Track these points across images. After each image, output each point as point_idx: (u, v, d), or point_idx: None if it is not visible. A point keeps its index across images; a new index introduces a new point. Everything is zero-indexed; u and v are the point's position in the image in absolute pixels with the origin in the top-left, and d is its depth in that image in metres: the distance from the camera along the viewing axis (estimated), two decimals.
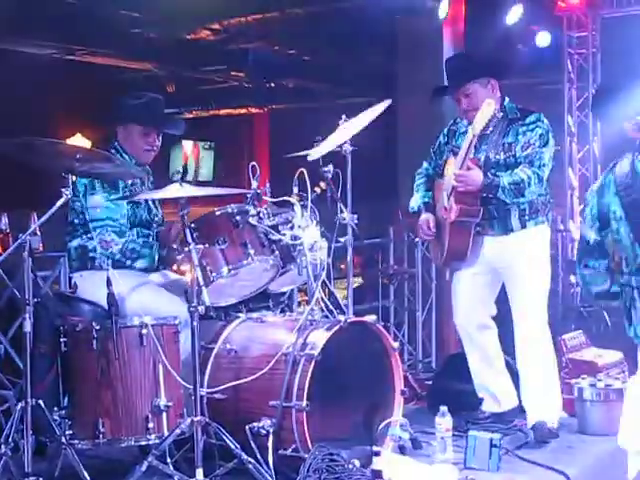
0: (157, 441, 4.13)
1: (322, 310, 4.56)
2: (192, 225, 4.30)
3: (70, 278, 4.78)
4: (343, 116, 4.75)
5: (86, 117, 10.34)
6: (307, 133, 4.81)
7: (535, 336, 5.04)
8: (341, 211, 4.74)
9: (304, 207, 4.55)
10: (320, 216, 4.65)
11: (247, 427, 4.18)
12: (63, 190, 4.06)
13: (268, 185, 4.68)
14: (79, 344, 4.20)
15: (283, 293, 5.16)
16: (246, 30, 10.23)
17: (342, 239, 4.77)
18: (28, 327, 4.00)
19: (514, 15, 8.50)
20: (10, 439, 3.97)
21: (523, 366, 5.08)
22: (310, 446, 4.12)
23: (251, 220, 4.50)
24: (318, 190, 4.67)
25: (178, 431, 4.08)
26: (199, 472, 3.95)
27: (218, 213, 4.53)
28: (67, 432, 4.10)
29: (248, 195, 4.56)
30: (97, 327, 4.17)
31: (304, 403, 4.14)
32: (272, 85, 12.69)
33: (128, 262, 4.66)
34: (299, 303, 5.42)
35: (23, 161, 4.28)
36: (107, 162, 4.28)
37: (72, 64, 10.43)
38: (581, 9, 9.19)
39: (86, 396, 4.19)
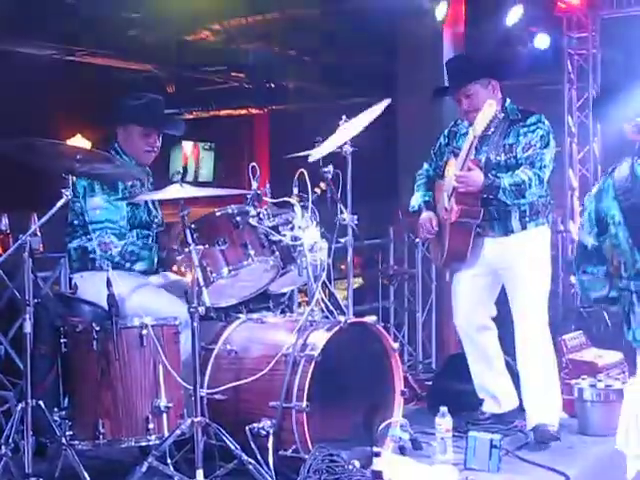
0: (157, 442, 4.13)
1: (322, 311, 4.56)
2: (192, 226, 4.30)
3: (70, 279, 4.78)
4: (343, 117, 4.75)
5: (86, 118, 10.32)
6: (307, 134, 4.80)
7: (535, 337, 5.03)
8: (341, 212, 4.74)
9: (304, 208, 4.56)
10: (320, 217, 4.65)
11: (247, 428, 4.18)
12: (63, 191, 4.06)
13: (268, 186, 4.68)
14: (79, 345, 4.20)
15: (283, 294, 5.16)
16: (246, 31, 10.24)
17: (342, 240, 4.77)
18: (28, 328, 4.01)
19: (514, 16, 8.49)
20: (10, 440, 3.98)
21: (523, 367, 5.08)
22: (310, 447, 4.13)
23: (251, 221, 4.50)
24: (318, 191, 4.67)
25: (178, 432, 4.08)
26: (199, 473, 3.96)
27: (218, 214, 4.53)
28: (67, 433, 4.11)
29: (248, 196, 4.56)
30: (97, 328, 4.17)
31: (304, 404, 4.14)
32: (272, 86, 12.69)
33: (127, 264, 4.66)
34: (299, 304, 5.42)
35: (23, 162, 4.28)
36: (107, 163, 4.29)
37: (72, 65, 10.44)
38: (581, 10, 9.17)
39: (86, 397, 4.19)
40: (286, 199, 4.59)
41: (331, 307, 4.59)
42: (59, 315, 4.34)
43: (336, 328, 4.35)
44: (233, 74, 12.08)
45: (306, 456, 4.10)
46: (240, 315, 4.74)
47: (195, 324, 4.11)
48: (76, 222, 4.69)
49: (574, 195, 9.32)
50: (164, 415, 4.20)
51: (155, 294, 4.64)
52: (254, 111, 14.23)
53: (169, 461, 4.09)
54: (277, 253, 4.53)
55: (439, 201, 5.20)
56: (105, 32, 9.25)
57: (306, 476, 4.02)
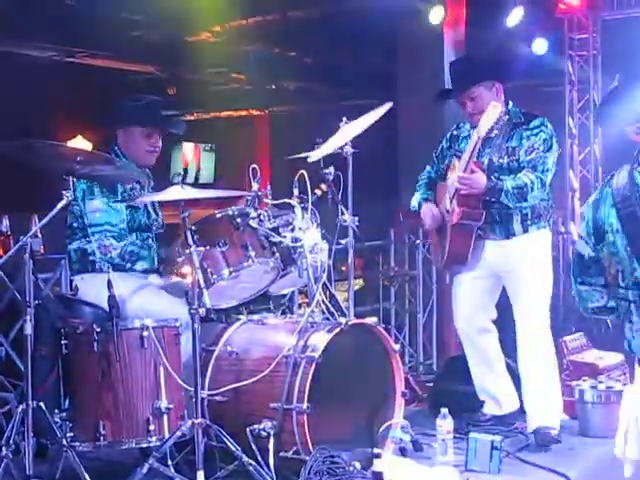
0: (158, 443, 4.13)
1: (323, 312, 4.56)
2: (193, 227, 4.30)
3: (71, 281, 4.78)
4: (344, 118, 4.75)
5: (87, 119, 10.33)
6: (308, 135, 4.80)
7: (537, 339, 5.03)
8: (342, 213, 4.73)
9: (305, 209, 4.55)
10: (321, 218, 4.65)
11: (248, 429, 4.18)
12: (64, 192, 4.06)
13: (269, 187, 4.68)
14: (80, 346, 4.20)
15: (284, 295, 5.16)
16: (247, 32, 10.24)
17: (343, 241, 4.76)
18: (29, 329, 4.01)
19: (515, 17, 8.49)
20: (11, 441, 3.98)
21: (524, 369, 5.08)
22: (311, 448, 4.12)
23: (252, 222, 4.49)
24: (319, 192, 4.67)
25: (179, 433, 4.08)
26: (200, 474, 3.95)
27: (219, 215, 4.53)
28: (68, 434, 4.11)
29: (249, 197, 4.56)
30: (98, 329, 4.17)
31: (305, 405, 4.14)
32: (273, 87, 12.69)
33: (128, 265, 4.65)
34: (300, 305, 5.41)
35: (24, 163, 4.28)
36: (108, 164, 4.29)
37: (72, 66, 10.44)
38: (582, 11, 9.17)
39: (87, 398, 4.19)
40: (287, 200, 4.59)
41: (332, 308, 4.59)
42: (60, 316, 4.34)
43: (337, 329, 4.35)
44: (234, 75, 12.08)
45: (307, 457, 4.10)
46: (241, 316, 4.73)
47: (196, 325, 4.12)
48: (75, 224, 4.68)
49: (575, 196, 9.32)
50: (165, 416, 4.20)
51: (156, 296, 4.64)
52: (255, 112, 14.26)
53: (170, 462, 4.09)
54: (277, 254, 4.53)
55: (441, 203, 5.20)
56: (105, 34, 9.24)
57: (307, 477, 4.02)
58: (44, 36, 9.29)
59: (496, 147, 5.02)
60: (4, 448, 3.96)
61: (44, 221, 4.12)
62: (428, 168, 5.41)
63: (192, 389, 4.11)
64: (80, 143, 10.74)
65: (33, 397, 3.97)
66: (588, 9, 9.15)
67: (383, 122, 4.79)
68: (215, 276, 4.40)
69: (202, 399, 4.15)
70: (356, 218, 4.74)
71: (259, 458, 4.11)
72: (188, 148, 14.87)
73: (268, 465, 4.10)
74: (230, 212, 4.51)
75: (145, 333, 4.20)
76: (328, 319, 4.54)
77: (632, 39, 8.60)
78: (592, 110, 9.06)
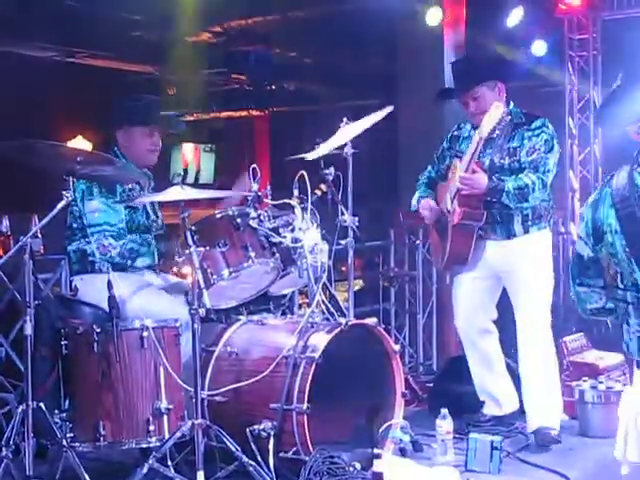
0: (158, 444, 4.13)
1: (323, 313, 4.56)
2: (193, 228, 4.30)
3: (71, 281, 4.78)
4: (344, 119, 4.75)
5: (87, 120, 10.34)
6: (308, 135, 4.81)
7: (538, 339, 5.03)
8: (342, 213, 4.74)
9: (305, 210, 4.55)
10: (321, 218, 4.65)
11: (248, 430, 4.18)
12: (64, 193, 4.06)
13: (269, 187, 4.68)
14: (80, 347, 4.20)
15: (284, 296, 5.16)
16: (247, 32, 10.24)
17: (343, 241, 4.76)
18: (29, 330, 4.01)
19: (515, 18, 8.49)
20: (11, 442, 3.98)
21: (525, 369, 5.08)
22: (311, 449, 4.13)
23: (252, 223, 4.50)
24: (319, 192, 4.67)
25: (179, 434, 4.08)
26: (200, 475, 3.95)
27: (219, 216, 4.53)
28: (68, 435, 4.11)
29: (249, 198, 4.56)
30: (98, 330, 4.17)
31: (305, 406, 4.14)
32: (273, 88, 12.69)
33: (129, 262, 4.66)
34: (300, 306, 5.42)
35: (24, 164, 4.28)
36: (108, 165, 4.28)
37: (73, 67, 10.44)
38: (582, 11, 9.16)
39: (87, 399, 4.19)
40: (286, 201, 4.59)
41: (332, 309, 4.59)
42: (60, 317, 4.35)
43: (337, 330, 4.35)
44: (234, 76, 12.07)
45: (307, 458, 4.10)
46: (241, 317, 4.73)
47: (196, 326, 4.11)
48: (75, 225, 4.68)
49: (575, 197, 9.32)
50: (165, 417, 4.20)
51: (156, 296, 4.64)
52: (255, 113, 14.24)
53: (170, 463, 4.10)
54: (277, 255, 4.53)
55: (441, 203, 5.20)
56: (106, 34, 9.24)
57: (307, 478, 4.02)
58: (44, 36, 9.29)
59: (497, 147, 5.02)
60: (4, 449, 3.96)
61: (44, 221, 4.12)
62: (429, 168, 5.41)
63: (192, 389, 4.11)
64: (80, 143, 10.72)
65: (33, 397, 3.97)
66: (588, 9, 9.14)
67: (383, 123, 4.79)
68: (215, 276, 4.40)
69: (202, 399, 4.15)
70: (356, 218, 4.74)
71: (259, 458, 4.11)
72: (188, 149, 14.86)
73: (268, 465, 4.10)
74: (230, 212, 4.51)
75: (145, 333, 4.20)
76: (328, 319, 4.54)
77: (632, 39, 8.59)
78: (592, 110, 9.05)
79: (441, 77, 7.62)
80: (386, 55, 9.28)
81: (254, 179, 4.57)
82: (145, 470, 3.96)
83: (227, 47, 10.68)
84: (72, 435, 4.12)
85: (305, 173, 4.53)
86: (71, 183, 4.10)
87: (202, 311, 4.10)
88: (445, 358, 6.94)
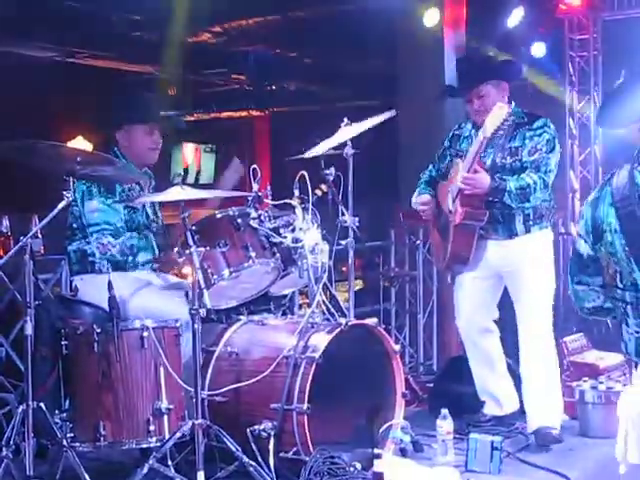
0: (158, 444, 4.13)
1: (323, 313, 4.56)
2: (193, 228, 4.30)
3: (71, 281, 4.78)
4: (345, 119, 4.75)
5: (87, 120, 10.33)
6: (308, 136, 4.81)
7: (539, 339, 5.03)
8: (342, 214, 4.74)
9: (305, 210, 4.55)
10: (321, 219, 4.65)
11: (248, 430, 4.19)
12: (64, 193, 4.06)
13: (269, 188, 4.68)
14: (80, 347, 4.20)
15: (284, 296, 5.17)
16: (247, 33, 10.23)
17: (343, 242, 4.77)
18: (29, 330, 4.01)
19: (515, 18, 8.49)
20: (11, 442, 3.98)
21: (526, 369, 5.08)
22: (311, 449, 4.13)
23: (252, 223, 4.50)
24: (319, 193, 4.67)
25: (179, 434, 4.08)
26: (200, 475, 3.95)
27: (219, 216, 4.53)
28: (68, 435, 4.11)
29: (249, 198, 4.56)
30: (98, 330, 4.17)
31: (305, 406, 4.14)
32: (273, 88, 12.68)
33: (130, 259, 4.66)
34: (300, 306, 5.42)
35: (24, 164, 4.29)
36: (108, 165, 4.28)
37: (73, 67, 10.43)
38: (582, 12, 9.17)
39: (87, 399, 4.19)
40: (287, 201, 4.58)
41: (332, 309, 4.59)
42: (60, 317, 4.35)
43: (337, 330, 4.35)
44: (234, 76, 12.07)
45: (307, 458, 4.10)
46: (241, 317, 4.74)
47: (196, 326, 4.11)
48: (75, 225, 4.69)
49: (575, 197, 9.32)
50: (165, 417, 4.20)
51: (156, 296, 4.64)
52: (255, 113, 14.23)
53: (170, 463, 4.10)
54: (278, 255, 4.53)
55: (442, 202, 5.20)
56: (106, 34, 9.24)
57: (307, 478, 4.02)
58: (44, 36, 9.28)
59: (499, 147, 5.02)
60: (4, 449, 3.97)
61: (44, 222, 4.12)
62: (430, 167, 5.41)
63: (192, 389, 4.11)
64: (80, 144, 10.71)
65: (33, 398, 3.97)
66: (588, 9, 9.15)
67: (383, 123, 4.79)
68: (215, 276, 4.40)
69: (202, 399, 4.15)
70: (356, 218, 4.74)
71: (259, 459, 4.11)
72: (188, 149, 14.86)
73: (268, 465, 4.10)
74: (231, 212, 4.51)
75: (145, 334, 4.21)
76: (328, 320, 4.54)
77: (632, 39, 8.60)
78: (592, 111, 9.05)
79: (441, 77, 7.61)
80: (386, 55, 9.27)
81: (254, 179, 4.57)
82: (145, 470, 3.96)
83: (227, 47, 10.67)
84: (72, 435, 4.12)
85: (305, 173, 4.54)
86: (71, 183, 4.11)
87: (202, 311, 4.10)
88: (445, 358, 6.94)
